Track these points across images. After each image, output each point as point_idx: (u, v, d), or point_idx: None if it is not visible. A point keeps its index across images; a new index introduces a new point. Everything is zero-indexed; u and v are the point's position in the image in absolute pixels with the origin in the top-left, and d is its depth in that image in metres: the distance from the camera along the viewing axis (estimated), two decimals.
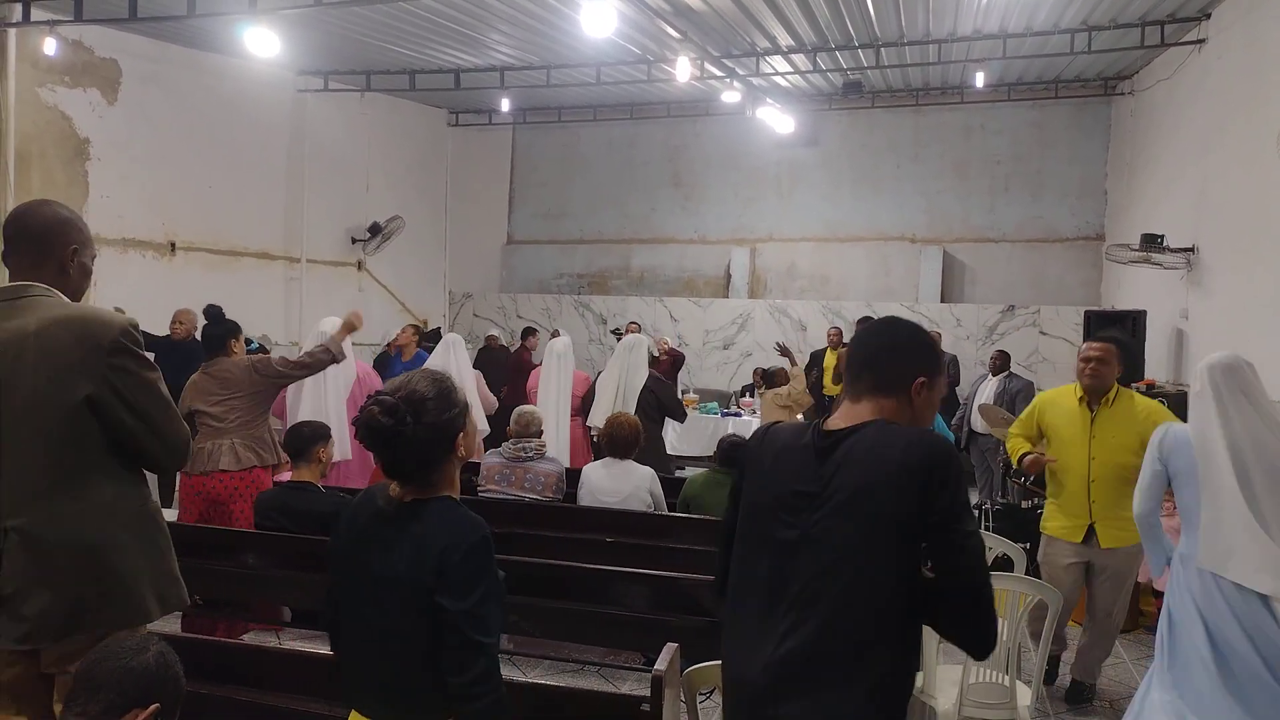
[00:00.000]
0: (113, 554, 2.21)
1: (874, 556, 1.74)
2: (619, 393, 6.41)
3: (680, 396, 6.93)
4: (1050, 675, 4.46)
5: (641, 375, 6.48)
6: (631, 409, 6.24)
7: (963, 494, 1.75)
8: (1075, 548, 4.10)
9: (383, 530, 1.88)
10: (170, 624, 4.40)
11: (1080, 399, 4.12)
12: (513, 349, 10.54)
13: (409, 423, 1.83)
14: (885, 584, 1.74)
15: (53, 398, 2.16)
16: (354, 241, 11.24)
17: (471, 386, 6.49)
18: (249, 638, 4.24)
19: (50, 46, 7.47)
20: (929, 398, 1.90)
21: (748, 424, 9.24)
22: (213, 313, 4.89)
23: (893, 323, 1.98)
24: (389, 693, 1.87)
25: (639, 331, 9.13)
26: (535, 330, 10.47)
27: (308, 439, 4.11)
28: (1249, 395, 3.05)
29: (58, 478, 2.18)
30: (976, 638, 1.78)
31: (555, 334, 9.55)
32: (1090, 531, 4.06)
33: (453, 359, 6.55)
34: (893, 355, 1.90)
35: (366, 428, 1.84)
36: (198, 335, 7.28)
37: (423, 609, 1.81)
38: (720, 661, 1.97)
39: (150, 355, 2.34)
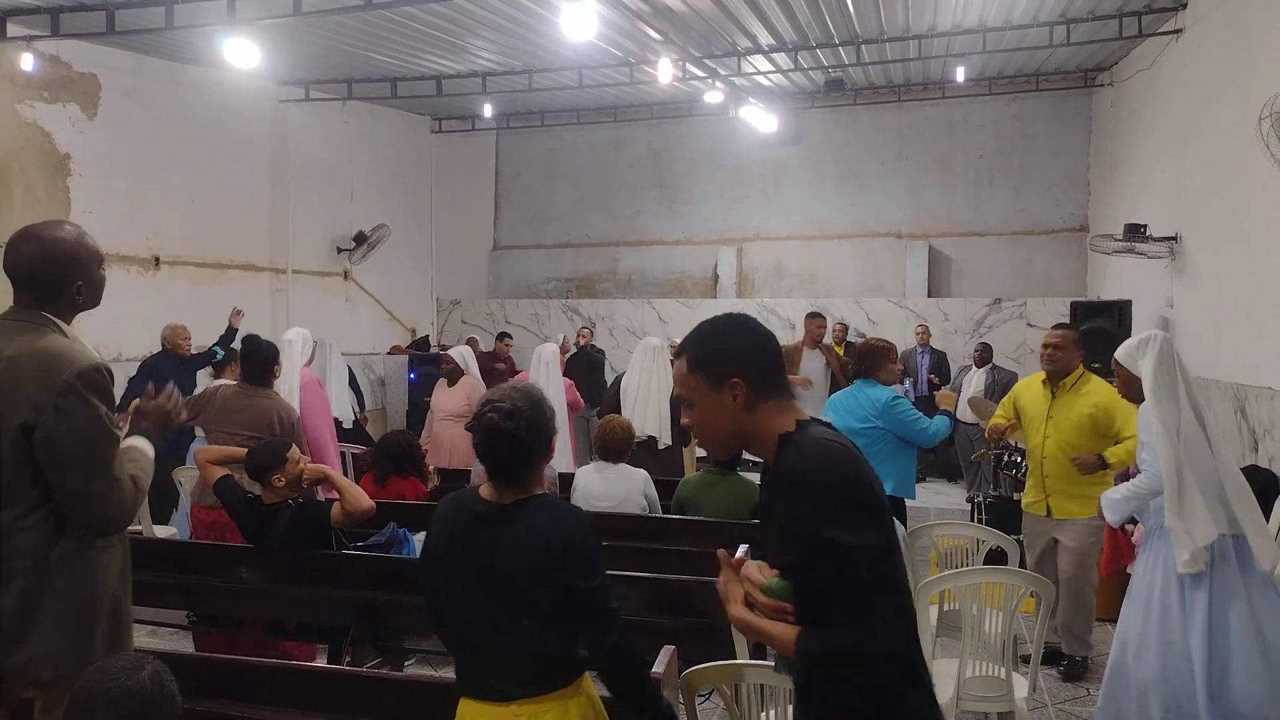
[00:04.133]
0: (26, 597, 2.14)
1: None
2: (638, 393, 6.37)
3: None
4: (1075, 673, 4.59)
5: (665, 379, 6.48)
6: (664, 411, 6.24)
7: None
8: (1041, 521, 4.60)
9: (490, 531, 2.07)
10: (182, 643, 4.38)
11: (1044, 382, 4.58)
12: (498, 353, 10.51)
13: (523, 426, 2.06)
14: None
15: (2, 424, 2.14)
16: (340, 251, 11.20)
17: (561, 399, 6.75)
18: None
19: (28, 62, 7.42)
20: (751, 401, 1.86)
21: None
22: (253, 343, 4.77)
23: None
24: (522, 671, 2.06)
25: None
26: (509, 335, 10.61)
27: (267, 461, 3.80)
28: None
29: (5, 506, 2.14)
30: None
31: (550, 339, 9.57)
32: (1048, 505, 4.53)
33: (543, 372, 6.77)
34: (710, 348, 1.87)
35: (489, 431, 2.06)
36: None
37: (547, 592, 2.02)
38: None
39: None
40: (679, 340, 1.90)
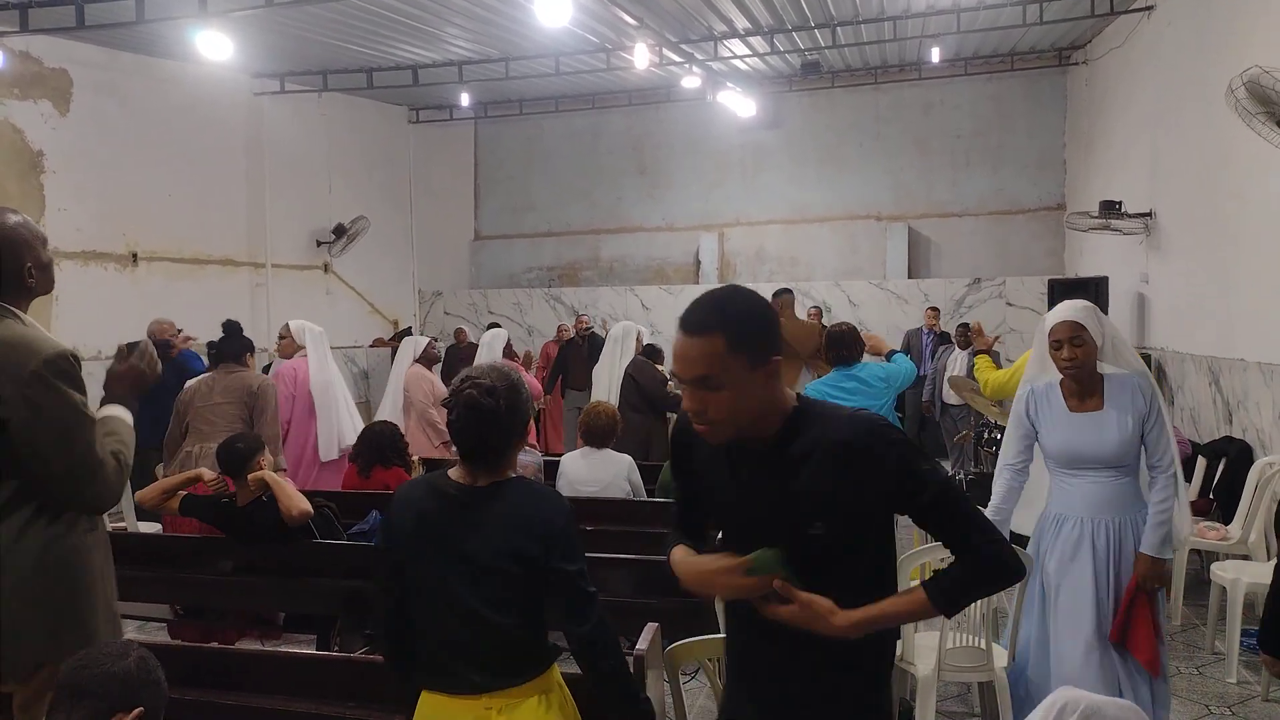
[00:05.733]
0: (13, 593, 2.13)
1: None
2: (611, 382, 6.48)
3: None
4: None
5: (626, 362, 6.57)
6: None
7: None
8: None
9: (464, 515, 2.01)
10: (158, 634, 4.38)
11: None
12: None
13: (502, 405, 2.01)
14: None
15: None
16: (319, 244, 11.15)
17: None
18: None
19: None
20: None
21: None
22: (231, 327, 5.07)
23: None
24: (495, 660, 2.01)
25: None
26: (498, 325, 10.50)
27: (243, 454, 3.81)
28: None
29: (5, 501, 2.13)
30: None
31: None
32: None
33: (486, 357, 6.77)
34: None
35: (469, 408, 2.01)
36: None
37: (525, 575, 1.98)
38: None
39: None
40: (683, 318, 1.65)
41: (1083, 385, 3.06)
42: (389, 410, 6.48)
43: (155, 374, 2.45)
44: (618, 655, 2.08)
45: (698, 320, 1.62)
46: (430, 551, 2.02)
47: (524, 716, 2.00)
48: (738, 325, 1.61)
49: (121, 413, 2.36)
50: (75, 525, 2.23)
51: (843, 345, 4.69)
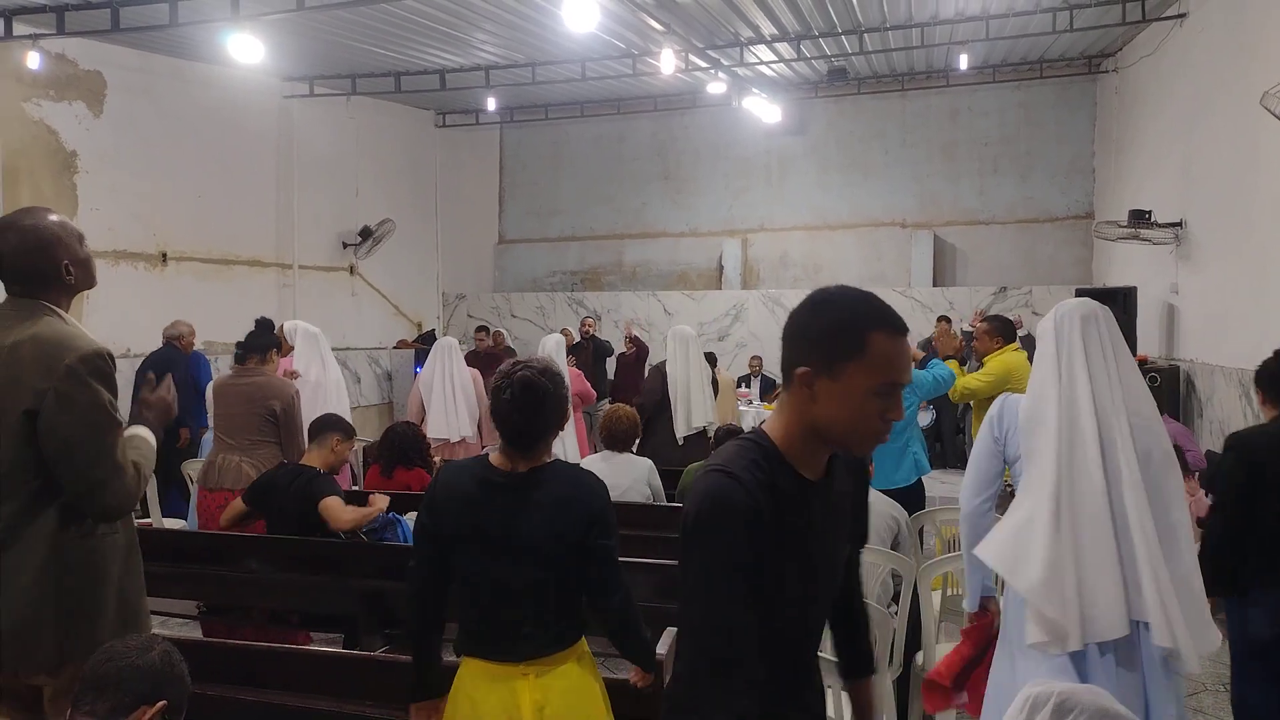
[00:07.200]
0: (30, 589, 2.12)
1: None
2: (703, 388, 6.30)
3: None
4: None
5: (704, 368, 6.46)
6: (710, 404, 6.27)
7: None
8: None
9: (506, 498, 2.15)
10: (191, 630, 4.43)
11: None
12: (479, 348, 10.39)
13: (551, 389, 2.17)
14: None
15: (4, 412, 2.13)
16: (345, 246, 11.24)
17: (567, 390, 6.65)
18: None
19: (34, 60, 7.46)
20: (827, 391, 1.46)
21: (743, 414, 9.27)
22: (262, 322, 5.10)
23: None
24: (536, 632, 2.16)
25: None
26: (487, 328, 10.65)
27: (325, 424, 4.18)
28: (1117, 350, 2.44)
29: (7, 498, 2.13)
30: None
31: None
32: None
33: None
34: (786, 335, 1.55)
35: (525, 386, 2.14)
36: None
37: (569, 556, 2.14)
38: None
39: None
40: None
41: None
42: (440, 412, 6.42)
43: (174, 410, 2.53)
44: (639, 625, 2.31)
45: (901, 320, 1.48)
46: (478, 535, 2.15)
47: (558, 680, 2.15)
48: None
49: (147, 434, 2.39)
50: (94, 528, 2.22)
51: None
